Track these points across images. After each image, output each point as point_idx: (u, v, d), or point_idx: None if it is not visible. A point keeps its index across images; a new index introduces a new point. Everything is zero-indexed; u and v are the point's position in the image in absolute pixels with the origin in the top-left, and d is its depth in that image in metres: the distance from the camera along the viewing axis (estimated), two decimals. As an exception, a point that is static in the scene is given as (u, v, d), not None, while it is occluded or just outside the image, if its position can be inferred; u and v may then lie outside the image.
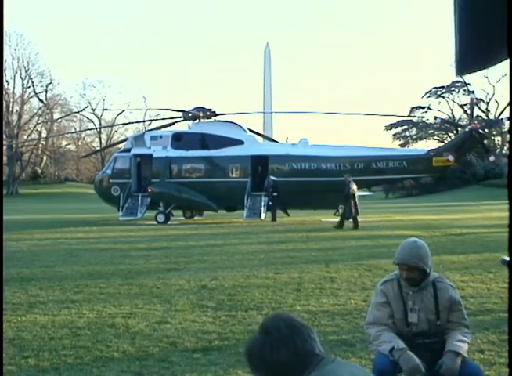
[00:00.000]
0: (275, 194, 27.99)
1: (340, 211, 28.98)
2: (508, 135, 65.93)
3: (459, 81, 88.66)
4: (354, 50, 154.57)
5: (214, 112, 32.90)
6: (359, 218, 24.49)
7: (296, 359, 2.43)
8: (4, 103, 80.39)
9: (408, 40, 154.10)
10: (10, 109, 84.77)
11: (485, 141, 32.95)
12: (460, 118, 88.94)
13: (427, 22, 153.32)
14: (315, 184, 26.66)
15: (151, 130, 36.33)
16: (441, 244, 17.11)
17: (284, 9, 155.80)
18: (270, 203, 28.38)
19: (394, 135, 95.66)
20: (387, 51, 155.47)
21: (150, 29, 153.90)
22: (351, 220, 24.34)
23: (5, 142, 75.98)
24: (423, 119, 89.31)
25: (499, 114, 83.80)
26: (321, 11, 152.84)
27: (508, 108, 60.20)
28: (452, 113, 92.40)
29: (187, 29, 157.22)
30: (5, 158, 79.07)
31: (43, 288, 10.66)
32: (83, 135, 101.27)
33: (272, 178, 28.61)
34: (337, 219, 28.09)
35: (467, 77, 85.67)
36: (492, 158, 33.91)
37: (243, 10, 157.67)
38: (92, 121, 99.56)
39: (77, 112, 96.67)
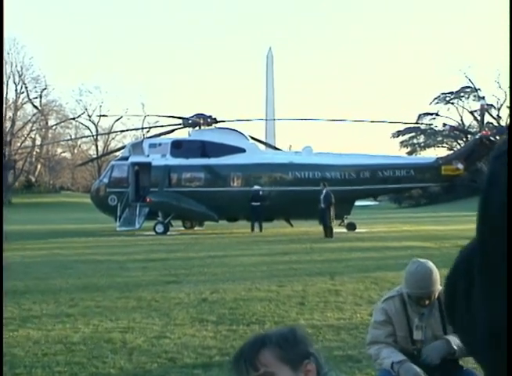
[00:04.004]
0: (255, 204, 28.18)
1: (346, 221, 29.11)
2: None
3: (468, 87, 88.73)
4: (360, 55, 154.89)
5: (214, 119, 32.98)
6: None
7: None
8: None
9: (415, 44, 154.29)
10: (3, 115, 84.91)
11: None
12: (470, 125, 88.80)
13: (436, 25, 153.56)
14: (319, 194, 26.59)
15: (150, 137, 36.40)
16: (451, 256, 16.71)
17: (288, 13, 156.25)
18: (256, 212, 28.70)
19: (401, 142, 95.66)
20: (394, 56, 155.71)
21: (149, 34, 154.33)
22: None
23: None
24: (432, 126, 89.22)
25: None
26: (326, 15, 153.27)
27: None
28: (461, 120, 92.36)
29: (187, 33, 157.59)
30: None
31: (36, 302, 10.64)
32: (79, 143, 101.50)
33: (257, 187, 28.85)
34: (345, 230, 28.26)
35: (478, 82, 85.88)
36: (503, 166, 33.84)
37: (245, 14, 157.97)
38: (89, 128, 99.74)
39: (73, 118, 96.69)
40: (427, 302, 4.71)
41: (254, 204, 28.32)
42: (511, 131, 0.97)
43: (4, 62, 78.99)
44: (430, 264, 4.74)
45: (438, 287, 4.71)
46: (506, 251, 0.93)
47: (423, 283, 4.64)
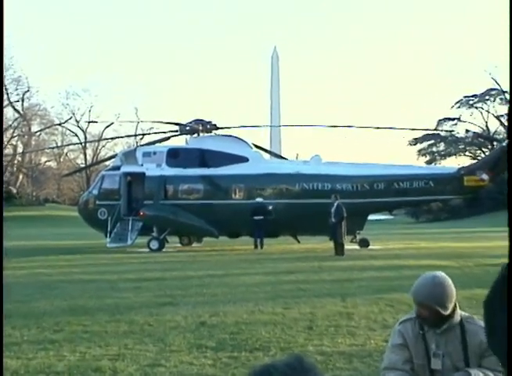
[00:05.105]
0: (256, 218, 28.24)
1: (358, 237, 29.11)
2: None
3: (494, 89, 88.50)
4: (373, 55, 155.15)
5: (214, 125, 33.05)
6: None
7: None
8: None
9: (435, 43, 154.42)
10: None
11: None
12: (496, 131, 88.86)
13: (457, 22, 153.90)
14: (329, 207, 26.54)
15: (143, 145, 36.49)
16: (475, 276, 17.01)
17: (295, 10, 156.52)
18: (257, 227, 28.72)
19: (419, 151, 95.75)
20: (411, 56, 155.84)
21: (143, 32, 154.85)
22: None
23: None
24: (453, 132, 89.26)
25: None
26: (338, 12, 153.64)
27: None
28: (486, 126, 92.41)
29: (184, 32, 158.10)
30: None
31: (16, 327, 10.57)
32: (65, 151, 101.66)
33: (259, 199, 28.94)
34: (357, 247, 28.24)
35: (505, 84, 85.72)
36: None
37: (248, 11, 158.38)
38: (76, 135, 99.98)
39: (59, 124, 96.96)
40: (416, 311, 4.71)
41: (256, 218, 28.33)
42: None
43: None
44: (443, 278, 4.71)
45: (450, 306, 4.66)
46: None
47: (418, 288, 4.68)
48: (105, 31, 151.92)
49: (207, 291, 14.82)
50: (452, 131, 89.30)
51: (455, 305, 4.73)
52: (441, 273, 4.81)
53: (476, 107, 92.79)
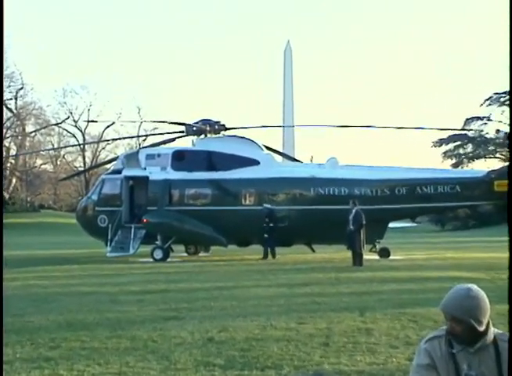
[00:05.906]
0: (270, 225, 28.30)
1: (378, 246, 29.04)
2: None
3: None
4: (392, 50, 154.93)
5: (223, 125, 33.08)
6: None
7: None
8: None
9: (461, 36, 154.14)
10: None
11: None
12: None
13: (485, 14, 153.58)
14: (346, 213, 26.47)
15: (147, 147, 36.51)
16: (507, 290, 16.94)
17: (296, 9, 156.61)
18: (266, 235, 28.68)
19: (444, 152, 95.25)
20: (436, 50, 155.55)
21: (146, 25, 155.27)
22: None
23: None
24: (482, 133, 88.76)
25: None
26: (357, 4, 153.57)
27: None
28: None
29: (190, 25, 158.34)
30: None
31: (9, 344, 10.53)
32: (62, 153, 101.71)
33: (267, 206, 28.95)
34: (376, 257, 28.17)
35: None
36: None
37: (249, 10, 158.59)
38: (74, 136, 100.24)
39: (56, 124, 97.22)
40: (448, 326, 4.66)
41: (267, 225, 28.35)
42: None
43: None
44: (478, 292, 4.66)
45: (485, 322, 4.60)
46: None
47: (451, 300, 4.63)
48: (104, 30, 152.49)
49: (215, 305, 14.83)
50: (481, 131, 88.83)
51: (488, 321, 4.67)
52: (474, 286, 4.75)
53: (508, 105, 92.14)
